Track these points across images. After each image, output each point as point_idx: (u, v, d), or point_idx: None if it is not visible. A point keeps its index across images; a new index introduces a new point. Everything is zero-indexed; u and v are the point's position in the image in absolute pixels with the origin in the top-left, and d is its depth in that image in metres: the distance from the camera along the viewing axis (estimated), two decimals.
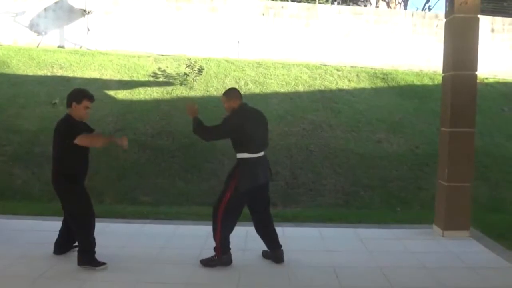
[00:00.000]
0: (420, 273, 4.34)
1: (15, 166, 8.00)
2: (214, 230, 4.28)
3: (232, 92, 4.45)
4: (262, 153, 4.35)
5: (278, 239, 4.51)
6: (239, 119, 4.27)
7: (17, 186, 7.59)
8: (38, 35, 12.58)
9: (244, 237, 5.27)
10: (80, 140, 4.15)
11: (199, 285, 4.04)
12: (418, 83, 12.09)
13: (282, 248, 4.49)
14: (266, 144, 4.45)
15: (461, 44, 5.41)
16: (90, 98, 4.35)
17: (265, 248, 4.59)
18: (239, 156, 4.28)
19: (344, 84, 11.60)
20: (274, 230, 4.51)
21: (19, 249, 4.64)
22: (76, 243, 4.42)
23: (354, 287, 4.06)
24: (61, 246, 4.56)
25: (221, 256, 4.30)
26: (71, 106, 4.28)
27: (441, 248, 5.08)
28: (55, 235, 5.14)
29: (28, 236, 5.12)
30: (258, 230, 4.51)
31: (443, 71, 5.73)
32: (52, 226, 5.45)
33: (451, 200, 5.42)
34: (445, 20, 5.73)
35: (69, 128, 4.21)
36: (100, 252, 4.33)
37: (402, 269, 4.43)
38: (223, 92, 4.59)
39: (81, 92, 4.38)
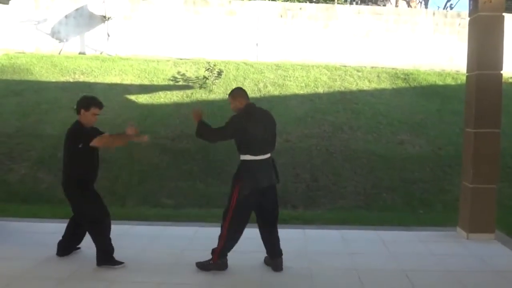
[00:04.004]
0: (444, 277, 4.27)
1: (39, 170, 8.15)
2: (220, 235, 4.20)
3: (237, 92, 4.35)
4: (266, 156, 4.20)
5: (279, 247, 4.33)
6: (242, 120, 4.16)
7: (41, 190, 7.72)
8: (59, 42, 12.84)
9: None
10: (99, 141, 4.22)
11: (221, 287, 4.04)
12: (441, 83, 11.91)
13: (282, 256, 4.33)
14: (272, 146, 4.30)
15: (485, 43, 5.31)
16: (98, 105, 4.39)
17: None
18: (242, 158, 4.19)
19: (364, 85, 11.50)
20: (277, 237, 4.34)
21: (46, 251, 4.71)
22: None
23: None
24: (64, 248, 4.64)
25: (217, 261, 4.23)
26: (80, 113, 4.37)
27: (465, 251, 4.98)
28: None
29: (54, 239, 5.19)
30: (261, 235, 4.36)
31: (467, 71, 5.62)
32: None
33: (476, 202, 5.31)
34: (468, 18, 5.63)
35: (78, 132, 4.31)
36: (123, 253, 4.40)
37: (426, 272, 4.36)
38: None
39: (89, 99, 4.44)
